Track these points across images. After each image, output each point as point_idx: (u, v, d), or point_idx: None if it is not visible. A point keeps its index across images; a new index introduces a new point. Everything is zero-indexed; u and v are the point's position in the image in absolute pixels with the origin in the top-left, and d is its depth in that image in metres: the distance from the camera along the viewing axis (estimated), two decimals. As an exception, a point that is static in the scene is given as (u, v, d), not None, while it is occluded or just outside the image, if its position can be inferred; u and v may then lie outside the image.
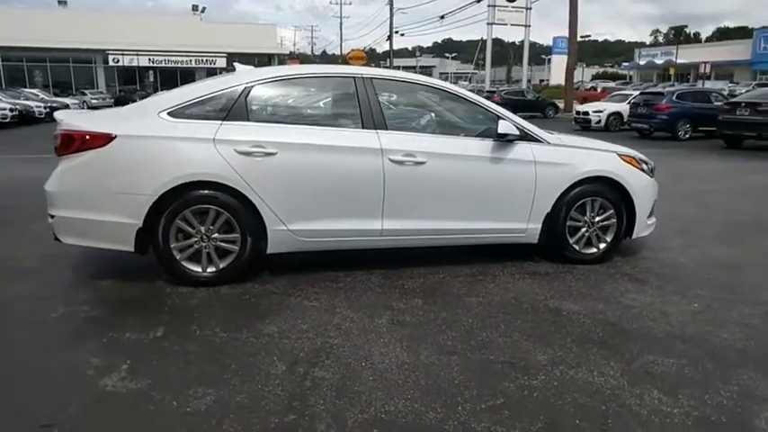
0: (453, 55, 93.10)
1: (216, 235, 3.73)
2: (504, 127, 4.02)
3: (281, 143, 3.73)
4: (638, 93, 19.25)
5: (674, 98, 16.15)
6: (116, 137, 3.56)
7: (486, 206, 4.17)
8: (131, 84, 40.55)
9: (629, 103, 18.69)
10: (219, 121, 3.73)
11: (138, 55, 39.46)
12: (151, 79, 40.89)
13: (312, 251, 4.08)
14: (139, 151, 3.61)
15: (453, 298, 3.69)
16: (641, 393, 2.55)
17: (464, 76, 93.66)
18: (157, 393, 2.47)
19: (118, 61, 39.60)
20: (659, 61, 63.32)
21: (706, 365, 2.81)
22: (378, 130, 3.91)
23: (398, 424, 2.30)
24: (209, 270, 3.77)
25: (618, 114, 19.30)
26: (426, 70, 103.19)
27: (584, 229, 4.38)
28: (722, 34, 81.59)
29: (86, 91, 34.00)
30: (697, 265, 4.47)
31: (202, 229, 3.70)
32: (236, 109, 3.78)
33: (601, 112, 19.60)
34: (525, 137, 4.15)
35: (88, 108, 24.50)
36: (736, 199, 7.34)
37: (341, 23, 74.26)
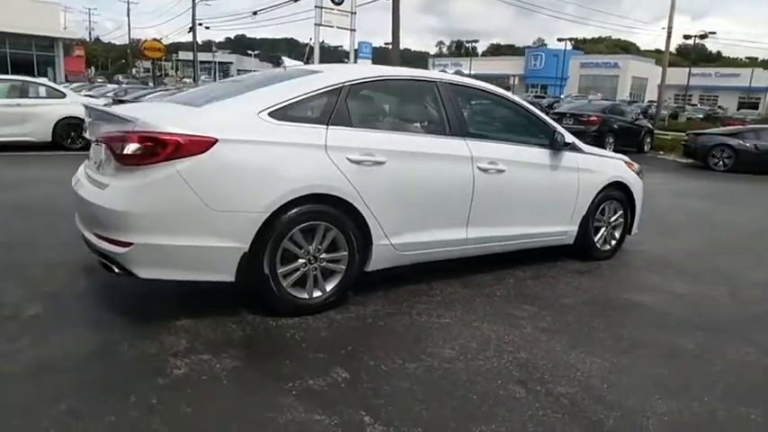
0: (256, 53, 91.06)
1: (323, 255, 3.29)
2: (569, 137, 4.28)
3: (390, 151, 3.45)
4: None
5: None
6: (217, 141, 2.91)
7: (544, 211, 4.39)
8: None
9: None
10: (325, 126, 3.29)
11: None
12: None
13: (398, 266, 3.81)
14: (246, 159, 3.00)
15: (547, 301, 3.82)
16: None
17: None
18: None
19: None
20: (450, 71, 70.63)
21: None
22: (465, 138, 3.85)
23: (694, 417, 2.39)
24: (315, 295, 3.31)
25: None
26: (223, 66, 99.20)
27: (603, 229, 4.88)
28: (495, 49, 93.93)
29: None
30: (680, 254, 5.31)
31: (310, 248, 3.24)
32: (338, 112, 3.37)
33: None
34: (573, 146, 4.47)
35: None
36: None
37: (128, 9, 66.47)
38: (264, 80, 3.65)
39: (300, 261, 3.22)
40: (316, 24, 31.33)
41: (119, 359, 2.66)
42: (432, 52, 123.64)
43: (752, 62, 64.00)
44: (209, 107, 3.13)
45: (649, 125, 17.31)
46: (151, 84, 35.12)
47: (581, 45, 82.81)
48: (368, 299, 3.59)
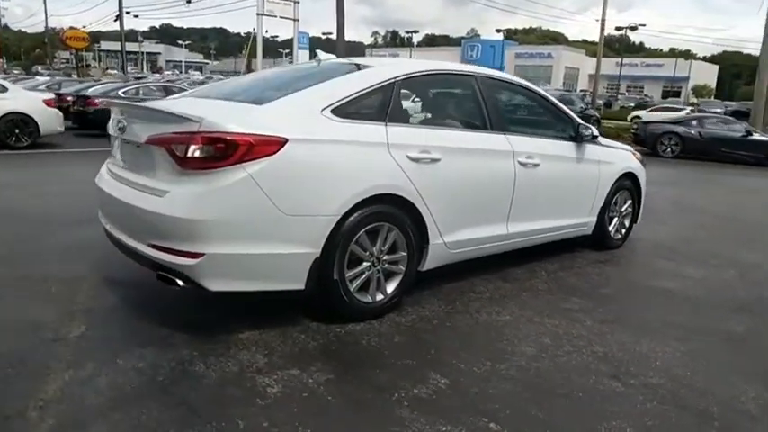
0: (187, 42, 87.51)
1: (385, 257, 3.20)
2: (595, 131, 4.36)
3: (444, 148, 3.38)
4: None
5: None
6: (287, 141, 2.74)
7: (571, 204, 4.47)
8: None
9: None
10: (383, 123, 3.18)
11: None
12: None
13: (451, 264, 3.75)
14: (317, 160, 2.85)
15: (588, 292, 3.89)
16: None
17: (194, 65, 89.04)
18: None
19: None
20: (388, 62, 70.56)
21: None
22: (505, 133, 3.84)
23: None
24: (377, 298, 3.21)
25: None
26: (151, 57, 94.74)
27: (615, 219, 5.03)
28: (430, 40, 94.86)
29: None
30: (679, 240, 5.56)
31: (374, 251, 3.13)
32: (394, 108, 3.27)
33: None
34: (594, 139, 4.56)
35: None
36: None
37: (46, -6, 61.78)
38: (311, 75, 3.48)
39: (365, 264, 3.11)
40: (258, 14, 30.52)
41: (203, 380, 2.47)
42: (366, 42, 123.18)
43: (672, 53, 68.22)
44: (272, 105, 2.93)
45: (597, 114, 18.07)
46: (75, 75, 33.01)
47: (513, 36, 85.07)
48: (419, 299, 3.52)
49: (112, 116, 3.21)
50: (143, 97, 13.23)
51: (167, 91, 14.13)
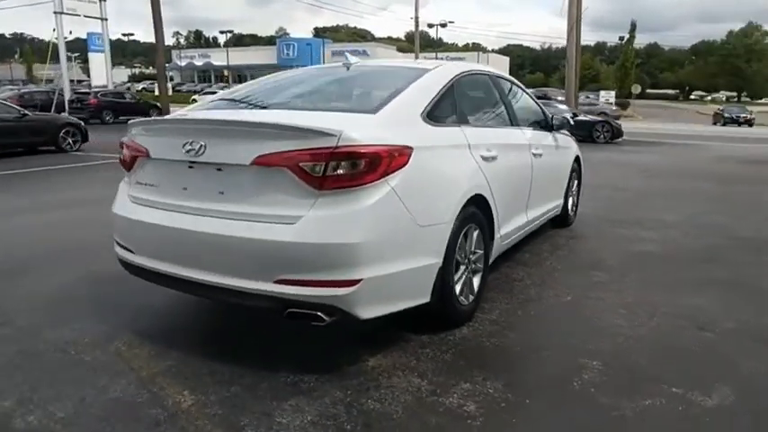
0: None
1: (473, 257, 3.21)
2: (571, 120, 4.79)
3: (498, 145, 3.49)
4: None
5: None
6: (413, 150, 2.60)
7: (554, 188, 4.89)
8: None
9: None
10: (458, 125, 3.17)
11: None
12: None
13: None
14: (433, 167, 2.76)
15: (604, 266, 4.29)
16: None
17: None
18: None
19: None
20: (199, 63, 66.99)
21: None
22: (521, 127, 4.07)
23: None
24: (470, 300, 3.20)
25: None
26: None
27: (571, 199, 5.59)
28: (238, 40, 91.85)
29: None
30: (609, 212, 6.36)
31: (467, 252, 3.12)
32: (459, 110, 3.28)
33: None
34: (560, 128, 5.00)
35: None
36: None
37: None
38: (370, 79, 3.33)
39: (462, 267, 3.09)
40: (55, 12, 26.77)
41: (392, 416, 2.25)
42: (167, 44, 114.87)
43: (466, 47, 75.69)
44: (384, 113, 2.72)
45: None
46: None
47: (322, 34, 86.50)
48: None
49: (166, 138, 2.70)
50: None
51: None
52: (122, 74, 71.10)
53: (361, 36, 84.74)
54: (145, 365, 2.66)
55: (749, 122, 31.72)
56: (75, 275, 3.93)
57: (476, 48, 76.72)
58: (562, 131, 5.40)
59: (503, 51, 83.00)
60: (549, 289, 3.75)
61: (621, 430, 2.20)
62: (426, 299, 2.76)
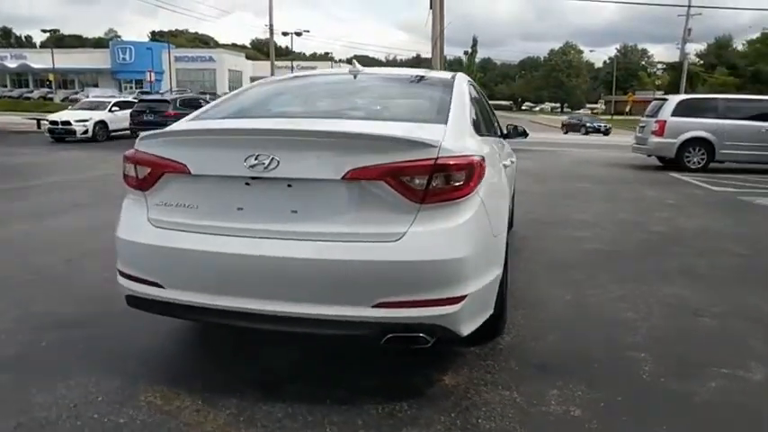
0: None
1: (501, 265, 3.25)
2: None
3: (506, 153, 3.61)
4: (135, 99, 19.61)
5: (178, 105, 17.31)
6: (484, 160, 2.56)
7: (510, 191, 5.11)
8: None
9: (111, 110, 18.59)
10: (486, 134, 3.21)
11: None
12: None
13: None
14: (494, 177, 2.72)
15: (564, 261, 4.64)
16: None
17: None
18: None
19: None
20: (12, 65, 58.56)
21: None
22: (502, 137, 4.23)
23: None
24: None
25: (104, 123, 18.49)
26: None
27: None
28: (58, 40, 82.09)
29: None
30: (539, 213, 6.84)
31: (501, 260, 3.15)
32: (479, 119, 3.29)
33: (86, 121, 18.10)
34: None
35: None
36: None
37: None
38: (401, 89, 3.18)
39: (500, 275, 3.10)
40: None
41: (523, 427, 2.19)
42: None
43: (314, 56, 75.99)
44: (451, 125, 2.60)
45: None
46: None
47: (160, 38, 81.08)
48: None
49: (219, 151, 2.33)
50: None
51: None
52: None
53: (204, 42, 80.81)
54: (201, 418, 2.26)
55: (607, 131, 35.53)
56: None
57: (325, 57, 77.55)
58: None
59: (350, 61, 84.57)
60: (544, 290, 3.92)
61: (714, 411, 2.38)
62: (492, 310, 2.72)
